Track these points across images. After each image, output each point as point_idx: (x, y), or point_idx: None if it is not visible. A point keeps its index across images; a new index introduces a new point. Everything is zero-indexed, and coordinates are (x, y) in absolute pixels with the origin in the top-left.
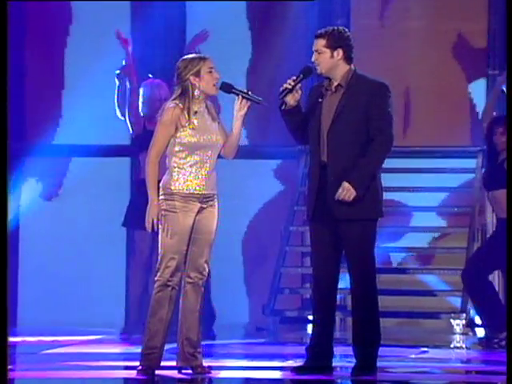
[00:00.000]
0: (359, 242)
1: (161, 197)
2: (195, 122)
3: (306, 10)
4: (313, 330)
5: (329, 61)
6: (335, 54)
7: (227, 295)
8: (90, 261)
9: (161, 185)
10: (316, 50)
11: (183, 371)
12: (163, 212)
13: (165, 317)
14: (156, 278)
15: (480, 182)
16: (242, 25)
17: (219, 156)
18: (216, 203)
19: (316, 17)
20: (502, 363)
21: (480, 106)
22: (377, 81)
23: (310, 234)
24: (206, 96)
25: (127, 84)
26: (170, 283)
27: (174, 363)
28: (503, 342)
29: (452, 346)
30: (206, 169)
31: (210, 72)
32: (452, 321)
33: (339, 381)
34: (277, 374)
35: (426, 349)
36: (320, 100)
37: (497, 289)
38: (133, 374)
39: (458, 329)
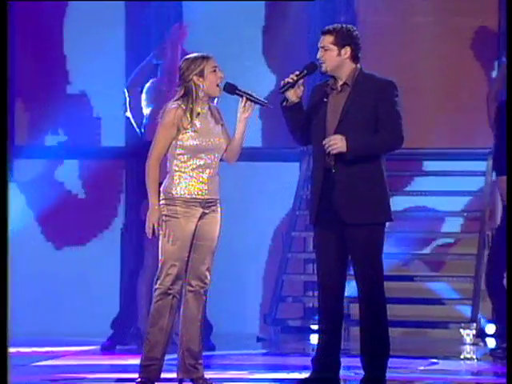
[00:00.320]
0: (367, 246)
1: (162, 201)
2: (198, 124)
3: (308, 7)
4: (319, 341)
5: (335, 58)
6: (342, 51)
7: (225, 303)
8: (85, 269)
9: (161, 189)
10: (322, 47)
11: (184, 383)
12: (164, 217)
13: (165, 326)
14: (156, 286)
15: (491, 186)
16: (239, 24)
17: (220, 160)
18: (218, 208)
19: (318, 14)
20: None
21: None
22: (384, 79)
23: (313, 239)
24: (209, 98)
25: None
26: (170, 291)
27: (174, 375)
28: None
29: (462, 357)
30: (209, 173)
31: (214, 71)
32: (462, 331)
33: None
34: None
35: (435, 360)
36: (325, 100)
37: None
38: None
39: (468, 339)
